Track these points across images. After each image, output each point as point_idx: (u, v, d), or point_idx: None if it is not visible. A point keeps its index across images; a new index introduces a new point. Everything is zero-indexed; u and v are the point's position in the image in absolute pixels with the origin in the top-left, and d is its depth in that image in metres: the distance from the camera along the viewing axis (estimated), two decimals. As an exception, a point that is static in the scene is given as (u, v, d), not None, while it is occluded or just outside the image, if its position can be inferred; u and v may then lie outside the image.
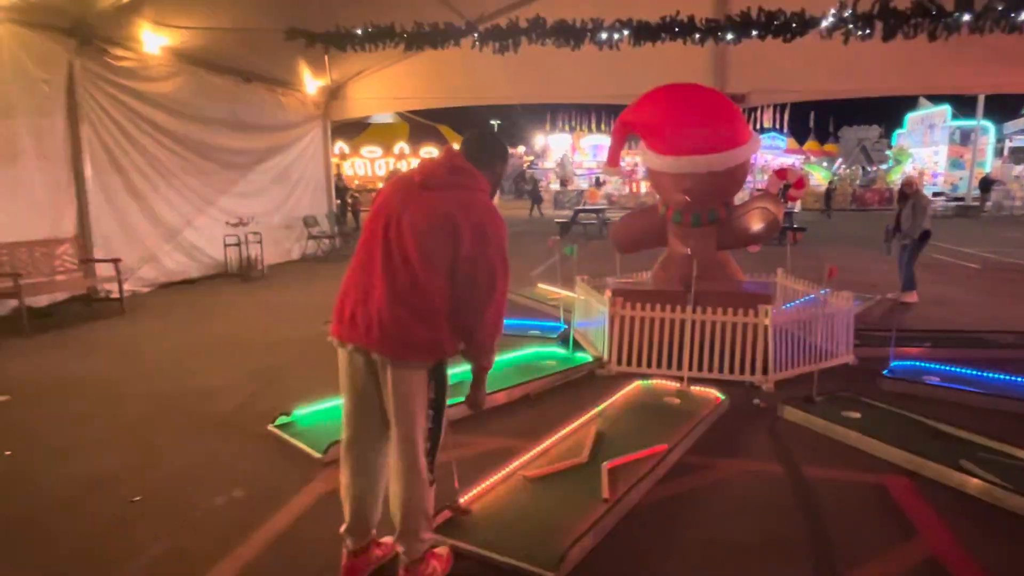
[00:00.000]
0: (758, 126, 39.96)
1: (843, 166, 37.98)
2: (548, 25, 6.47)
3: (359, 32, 7.09)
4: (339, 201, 18.22)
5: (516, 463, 3.44)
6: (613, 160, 6.07)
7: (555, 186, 38.64)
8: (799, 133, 41.00)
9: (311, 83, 12.21)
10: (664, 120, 5.32)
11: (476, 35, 6.71)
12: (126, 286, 8.59)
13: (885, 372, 5.03)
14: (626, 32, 6.41)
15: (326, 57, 11.49)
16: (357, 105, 13.63)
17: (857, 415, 4.25)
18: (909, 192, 7.88)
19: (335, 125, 14.95)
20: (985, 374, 5.05)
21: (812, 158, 37.79)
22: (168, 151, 9.33)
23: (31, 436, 4.04)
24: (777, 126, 40.21)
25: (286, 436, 3.89)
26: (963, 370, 5.14)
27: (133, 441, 3.98)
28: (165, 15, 8.20)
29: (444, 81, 12.62)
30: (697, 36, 6.34)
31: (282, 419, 4.07)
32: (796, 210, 29.50)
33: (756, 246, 6.01)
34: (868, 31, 5.96)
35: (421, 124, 31.77)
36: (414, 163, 25.95)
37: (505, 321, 2.49)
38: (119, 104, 8.44)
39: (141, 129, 8.84)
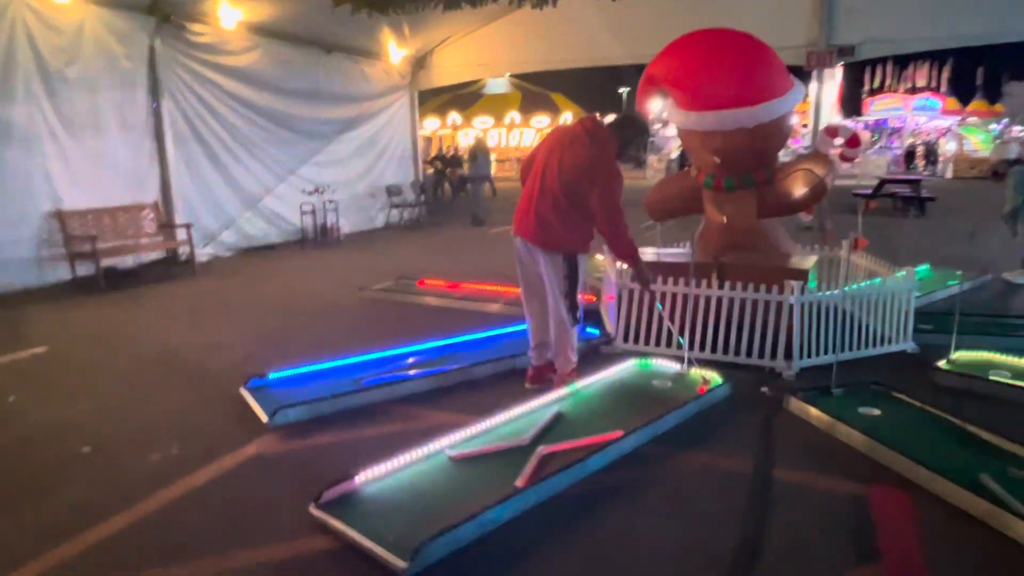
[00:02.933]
0: (910, 85, 35.97)
1: (1009, 126, 33.06)
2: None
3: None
4: (439, 170, 18.49)
5: (447, 440, 3.23)
6: (641, 119, 5.54)
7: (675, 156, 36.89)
8: (963, 92, 36.20)
9: (395, 53, 12.32)
10: (687, 71, 4.74)
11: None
12: (208, 250, 9.25)
13: (941, 363, 4.26)
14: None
15: (405, 26, 11.62)
16: (443, 73, 13.62)
17: (876, 412, 3.62)
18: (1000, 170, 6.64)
19: (454, 96, 14.71)
20: (1076, 372, 4.13)
21: (973, 119, 33.27)
22: (249, 122, 9.80)
23: (40, 383, 4.39)
24: (934, 84, 35.87)
25: (250, 397, 3.92)
26: (1049, 365, 4.24)
27: (120, 391, 4.21)
28: (239, -11, 8.53)
29: (535, 44, 12.28)
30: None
31: (255, 381, 4.12)
32: (947, 174, 26.15)
33: (807, 214, 5.28)
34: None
35: (534, 93, 31.47)
36: (526, 132, 25.73)
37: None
38: (200, 78, 8.94)
39: (222, 101, 9.33)
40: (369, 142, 12.58)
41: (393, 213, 12.93)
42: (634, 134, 3.94)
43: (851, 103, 39.93)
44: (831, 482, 2.99)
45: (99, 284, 7.16)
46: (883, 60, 36.75)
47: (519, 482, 2.84)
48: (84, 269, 7.41)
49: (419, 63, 13.32)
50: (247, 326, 5.71)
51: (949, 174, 26.78)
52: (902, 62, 35.58)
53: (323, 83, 11.06)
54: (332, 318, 6.00)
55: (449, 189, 18.71)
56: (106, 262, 7.66)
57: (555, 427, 3.47)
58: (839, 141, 4.99)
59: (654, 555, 2.49)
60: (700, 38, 4.71)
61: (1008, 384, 3.94)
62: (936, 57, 35.38)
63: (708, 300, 4.57)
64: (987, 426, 3.36)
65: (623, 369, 4.28)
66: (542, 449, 3.14)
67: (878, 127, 34.92)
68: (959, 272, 6.89)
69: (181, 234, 8.39)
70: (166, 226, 8.40)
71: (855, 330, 4.55)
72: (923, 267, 7.40)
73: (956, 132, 31.11)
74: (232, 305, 6.55)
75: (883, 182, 13.90)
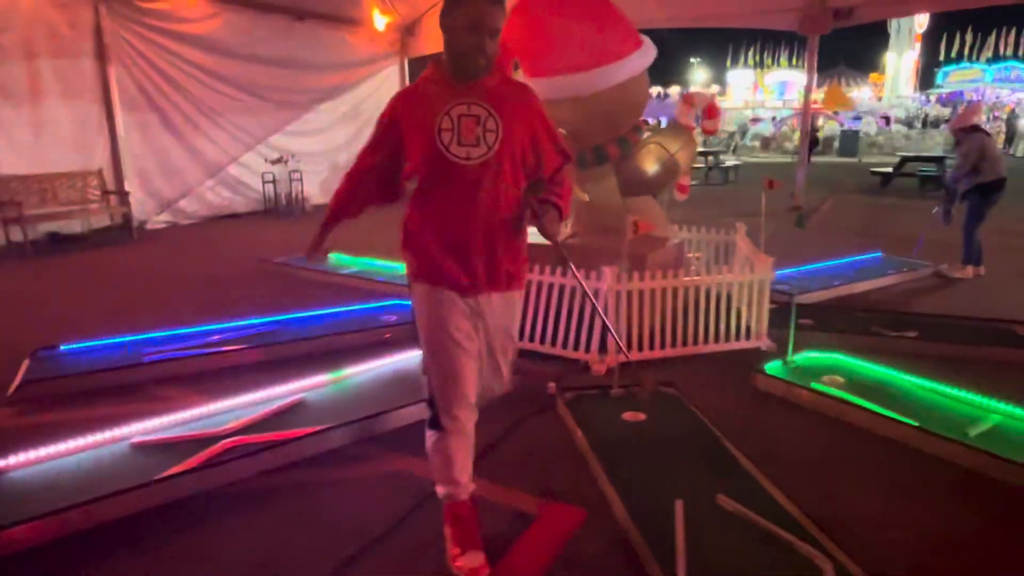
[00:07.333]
0: (991, 53, 33.04)
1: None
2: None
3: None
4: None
5: (140, 426, 3.06)
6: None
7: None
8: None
9: (379, 19, 12.05)
10: (525, 34, 4.29)
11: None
12: (164, 217, 9.41)
13: (768, 367, 3.76)
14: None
15: (384, -10, 11.34)
16: (436, 40, 13.13)
17: (641, 418, 3.22)
18: (960, 135, 5.95)
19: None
20: (922, 381, 3.57)
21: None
22: (211, 90, 9.77)
23: None
24: (1019, 53, 32.82)
25: (23, 370, 3.85)
26: (897, 373, 3.69)
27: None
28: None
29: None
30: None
31: (44, 351, 4.07)
32: (1019, 152, 23.72)
33: (682, 193, 4.78)
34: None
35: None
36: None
37: None
38: (153, 45, 8.95)
39: (179, 69, 9.32)
40: (353, 111, 12.40)
41: (376, 184, 12.77)
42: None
43: (927, 75, 37.14)
44: (518, 496, 2.66)
45: (27, 250, 7.34)
46: (962, 27, 33.86)
47: (159, 475, 2.64)
48: (22, 235, 7.60)
49: (408, 30, 13.00)
50: (127, 297, 5.70)
51: (1021, 152, 24.47)
52: (983, 29, 32.67)
53: (296, 51, 10.91)
54: (195, 290, 5.90)
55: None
56: (47, 228, 7.92)
57: (281, 416, 3.25)
58: (696, 112, 4.45)
59: (232, 569, 2.26)
60: (537, -4, 4.26)
61: (824, 394, 3.44)
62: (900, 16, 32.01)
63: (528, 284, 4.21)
64: (764, 442, 2.95)
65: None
66: (227, 441, 2.93)
67: (952, 100, 32.31)
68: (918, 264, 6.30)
69: (133, 201, 8.52)
70: (109, 193, 8.52)
71: (714, 322, 4.13)
72: (876, 254, 6.76)
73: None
74: (137, 275, 6.56)
75: (904, 159, 12.73)
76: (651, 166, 4.34)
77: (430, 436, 2.23)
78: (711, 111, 4.53)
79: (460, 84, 2.10)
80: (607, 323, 2.36)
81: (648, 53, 4.24)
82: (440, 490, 2.30)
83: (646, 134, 4.55)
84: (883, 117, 30.85)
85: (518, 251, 2.26)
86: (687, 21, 11.09)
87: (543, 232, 2.17)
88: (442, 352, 2.16)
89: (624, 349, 2.30)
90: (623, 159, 4.48)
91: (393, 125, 2.16)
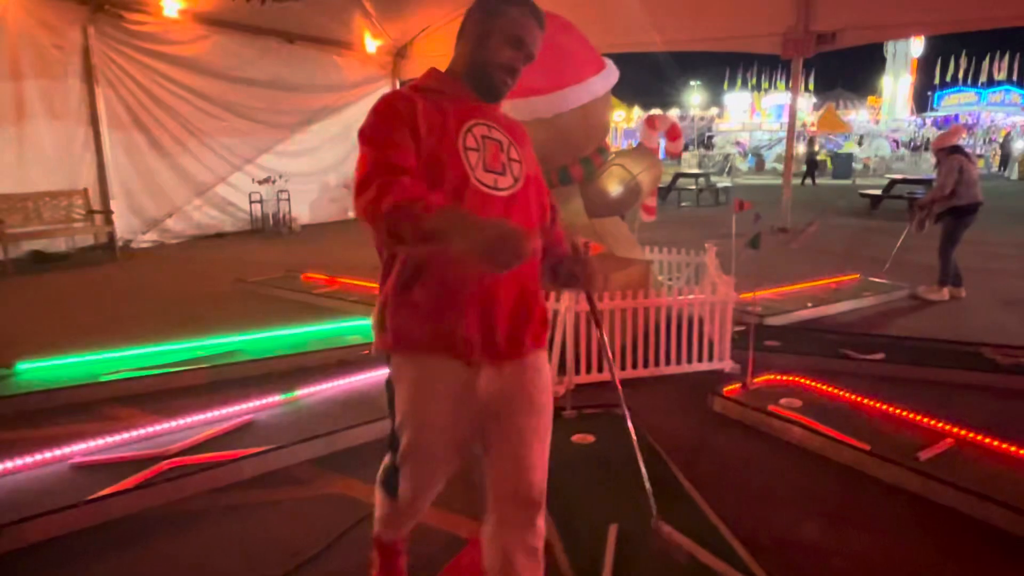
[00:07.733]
0: (984, 78, 33.28)
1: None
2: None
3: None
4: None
5: (83, 446, 3.03)
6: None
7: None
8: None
9: (369, 43, 12.20)
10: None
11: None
12: (151, 236, 9.45)
13: (726, 389, 3.73)
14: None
15: (372, 13, 11.52)
16: (427, 63, 13.26)
17: (591, 440, 3.19)
18: (941, 156, 5.95)
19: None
20: (881, 405, 3.53)
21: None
22: (199, 111, 9.87)
23: None
24: (1013, 78, 33.09)
25: (-27, 390, 3.84)
26: (857, 396, 3.65)
27: None
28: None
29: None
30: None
31: (1, 371, 4.06)
32: (1012, 175, 23.79)
33: (648, 214, 4.78)
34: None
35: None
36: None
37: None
38: (142, 67, 9.06)
39: (167, 90, 9.42)
40: (343, 132, 12.48)
41: (366, 204, 12.83)
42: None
43: (923, 98, 37.46)
44: (453, 520, 2.62)
45: (8, 268, 7.35)
46: (956, 52, 34.17)
47: (92, 495, 2.61)
48: (3, 253, 7.61)
49: (399, 53, 13.15)
50: (101, 316, 5.70)
51: (1015, 175, 24.57)
52: (978, 54, 32.98)
53: (286, 73, 11.02)
54: (190, 309, 5.89)
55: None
56: (30, 246, 7.95)
57: (227, 437, 3.22)
58: (659, 134, 4.48)
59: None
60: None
61: (778, 417, 3.40)
62: (1018, 47, 32.68)
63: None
64: (714, 465, 2.92)
65: (376, 375, 3.97)
66: (166, 462, 2.90)
67: (947, 124, 32.54)
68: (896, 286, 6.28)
69: (117, 219, 8.56)
70: (94, 212, 8.55)
71: (676, 343, 4.11)
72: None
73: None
74: (115, 294, 6.58)
75: (893, 182, 12.77)
76: (614, 187, 4.35)
77: (380, 494, 1.95)
78: (674, 133, 4.55)
79: (474, 102, 1.67)
80: (608, 358, 2.25)
81: (610, 76, 4.27)
82: (377, 528, 2.12)
83: (610, 156, 4.57)
84: (894, 140, 31.42)
85: (544, 308, 1.76)
86: (681, 44, 11.17)
87: (588, 290, 1.86)
88: (424, 456, 1.74)
89: (616, 378, 2.17)
90: (587, 180, 4.50)
91: (411, 118, 1.59)
